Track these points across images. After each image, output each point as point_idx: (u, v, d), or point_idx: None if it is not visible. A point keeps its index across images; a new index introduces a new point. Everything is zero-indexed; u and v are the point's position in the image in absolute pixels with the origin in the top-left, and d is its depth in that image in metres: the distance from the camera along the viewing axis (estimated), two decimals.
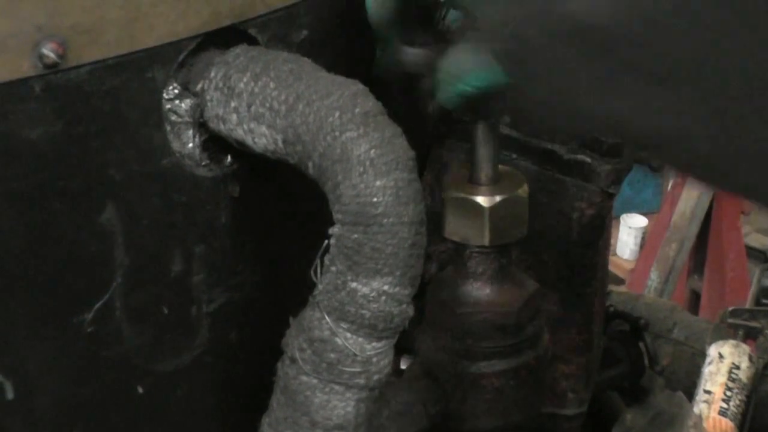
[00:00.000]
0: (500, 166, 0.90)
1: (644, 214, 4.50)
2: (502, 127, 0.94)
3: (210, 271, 0.80)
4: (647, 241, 3.94)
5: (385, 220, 0.70)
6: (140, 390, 0.79)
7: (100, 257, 0.73)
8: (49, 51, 0.66)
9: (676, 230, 3.26)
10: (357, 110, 0.71)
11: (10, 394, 0.72)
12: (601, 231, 1.01)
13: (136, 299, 0.76)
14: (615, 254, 4.43)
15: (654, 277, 3.28)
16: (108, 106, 0.71)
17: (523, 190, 0.90)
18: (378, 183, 0.70)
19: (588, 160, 0.98)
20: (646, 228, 4.37)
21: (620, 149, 0.98)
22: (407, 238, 0.71)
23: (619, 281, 3.76)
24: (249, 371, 0.85)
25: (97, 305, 0.74)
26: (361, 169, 0.70)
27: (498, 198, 0.88)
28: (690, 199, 3.24)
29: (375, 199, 0.70)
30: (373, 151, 0.70)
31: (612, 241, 4.39)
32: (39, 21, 0.66)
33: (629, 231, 4.48)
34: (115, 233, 0.73)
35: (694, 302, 3.31)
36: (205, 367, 0.82)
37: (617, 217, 4.37)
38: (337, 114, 0.71)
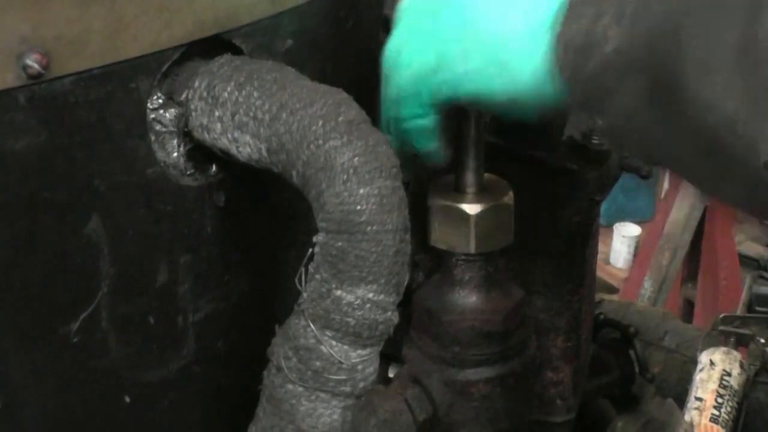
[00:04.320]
0: (486, 174, 0.91)
1: (638, 222, 4.50)
2: (488, 135, 0.95)
3: (196, 281, 0.80)
4: (641, 250, 3.94)
5: (369, 228, 0.70)
6: (127, 399, 0.79)
7: (86, 267, 0.73)
8: (33, 62, 0.66)
9: (669, 239, 3.26)
10: (340, 119, 0.71)
11: None
12: (587, 238, 1.01)
13: (122, 309, 0.76)
14: (608, 263, 4.42)
15: (648, 286, 3.28)
16: (92, 116, 0.71)
17: (509, 198, 0.90)
18: (362, 191, 0.70)
19: (574, 167, 0.98)
20: (639, 237, 4.37)
21: (607, 157, 0.98)
22: (391, 245, 0.71)
23: (613, 290, 3.76)
24: (236, 380, 0.85)
25: (83, 315, 0.74)
26: (345, 177, 0.70)
27: (483, 206, 0.88)
28: (683, 207, 3.24)
29: (359, 207, 0.70)
30: (356, 159, 0.70)
31: (605, 249, 4.39)
32: (23, 32, 0.66)
33: (623, 240, 4.48)
34: (101, 243, 0.73)
35: (688, 311, 3.31)
36: (191, 377, 0.82)
37: (611, 226, 4.37)
38: (320, 123, 0.71)
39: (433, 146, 0.83)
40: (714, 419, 1.22)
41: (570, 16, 0.70)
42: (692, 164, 0.68)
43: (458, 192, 0.89)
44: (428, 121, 0.81)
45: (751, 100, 0.60)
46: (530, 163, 0.99)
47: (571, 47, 0.70)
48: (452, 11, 0.78)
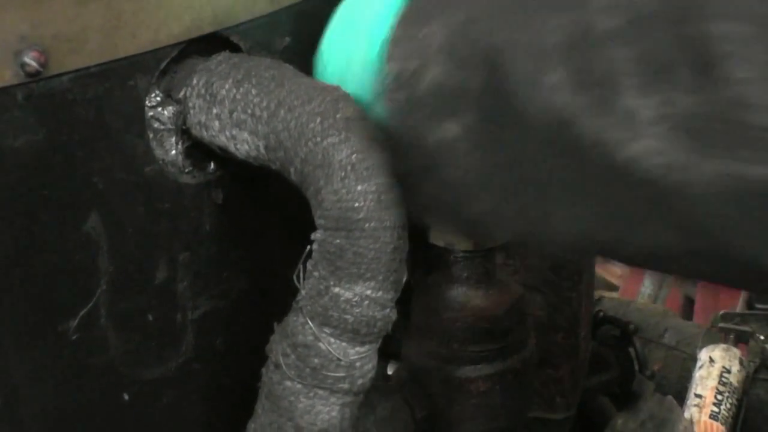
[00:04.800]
0: None
1: None
2: None
3: (194, 278, 0.80)
4: None
5: (367, 225, 0.70)
6: (126, 397, 0.79)
7: (85, 265, 0.74)
8: (31, 60, 0.66)
9: None
10: (338, 116, 0.71)
11: None
12: None
13: (121, 307, 0.76)
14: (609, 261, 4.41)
15: (647, 284, 3.27)
16: (91, 114, 0.71)
17: None
18: (359, 188, 0.70)
19: None
20: None
21: None
22: (389, 242, 0.71)
23: (613, 288, 3.75)
24: (235, 378, 0.85)
25: (82, 313, 0.74)
26: (343, 174, 0.70)
27: None
28: None
29: (356, 204, 0.70)
30: (354, 156, 0.70)
31: None
32: (21, 30, 0.66)
33: None
34: (100, 241, 0.74)
35: (688, 308, 3.30)
36: (191, 374, 0.82)
37: None
38: (318, 120, 0.71)
39: None
40: (714, 416, 1.22)
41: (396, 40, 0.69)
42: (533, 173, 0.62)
43: None
44: None
45: (588, 92, 0.56)
46: None
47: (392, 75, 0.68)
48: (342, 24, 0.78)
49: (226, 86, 0.74)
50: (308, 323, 0.73)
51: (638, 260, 0.65)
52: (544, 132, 0.59)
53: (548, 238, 0.66)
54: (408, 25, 0.69)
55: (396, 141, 0.70)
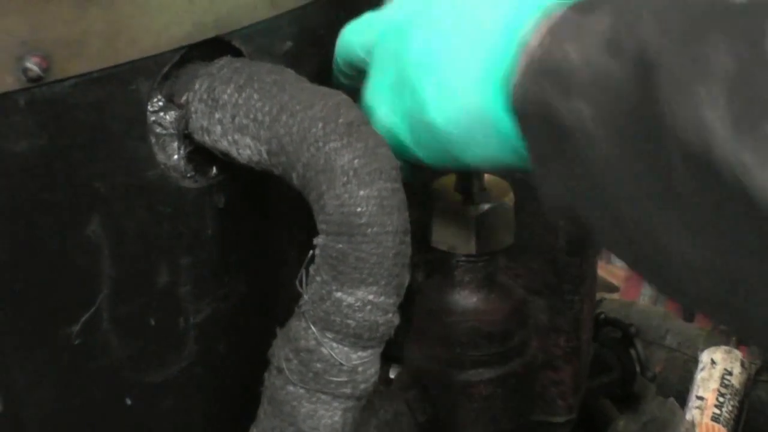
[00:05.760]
0: (486, 175, 0.91)
1: None
2: None
3: (197, 283, 0.80)
4: None
5: (369, 230, 0.70)
6: (128, 401, 0.79)
7: (87, 269, 0.73)
8: (32, 65, 0.66)
9: None
10: (340, 120, 0.71)
11: None
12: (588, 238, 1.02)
13: (123, 311, 0.76)
14: (610, 262, 4.42)
15: (648, 285, 3.28)
16: (92, 118, 0.71)
17: (510, 199, 0.90)
18: (362, 193, 0.70)
19: None
20: None
21: None
22: (391, 247, 0.71)
23: (614, 289, 3.75)
24: (237, 382, 0.85)
25: (84, 317, 0.74)
26: (345, 179, 0.70)
27: (484, 207, 0.88)
28: None
29: (359, 209, 0.70)
30: (356, 161, 0.70)
31: None
32: (22, 35, 0.66)
33: None
34: (101, 245, 0.74)
35: (689, 310, 3.30)
36: (193, 378, 0.82)
37: None
38: (320, 124, 0.71)
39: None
40: (715, 418, 1.22)
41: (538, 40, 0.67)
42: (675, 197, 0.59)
43: (459, 193, 0.89)
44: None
45: (742, 118, 0.54)
46: None
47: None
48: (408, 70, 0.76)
49: (228, 91, 0.74)
50: (311, 328, 0.73)
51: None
52: (683, 145, 0.57)
53: (661, 261, 0.63)
54: (571, 10, 0.67)
55: (531, 120, 0.68)
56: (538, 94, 0.66)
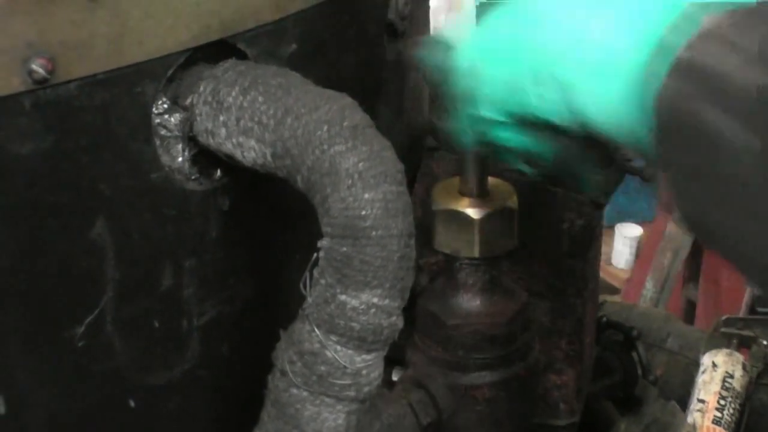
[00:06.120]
0: (489, 178, 0.91)
1: (639, 223, 4.48)
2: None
3: (200, 285, 0.80)
4: (642, 251, 3.93)
5: (374, 233, 0.70)
6: (132, 403, 0.79)
7: (91, 272, 0.74)
8: (38, 67, 0.66)
9: (670, 239, 3.26)
10: (345, 123, 0.71)
11: (1, 409, 0.72)
12: (591, 241, 1.02)
13: (127, 313, 0.76)
14: (610, 264, 4.42)
15: (649, 287, 3.27)
16: (98, 121, 0.71)
17: (513, 202, 0.90)
18: (366, 196, 0.70)
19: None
20: (641, 237, 4.36)
21: (610, 160, 0.98)
22: (396, 250, 0.71)
23: (615, 290, 3.76)
24: (240, 384, 0.85)
25: (88, 319, 0.74)
26: (350, 182, 0.70)
27: (488, 210, 0.88)
28: None
29: (363, 212, 0.70)
30: (361, 164, 0.70)
31: (607, 250, 4.38)
32: (29, 37, 0.66)
33: (624, 240, 4.47)
34: (106, 248, 0.74)
35: (689, 311, 3.30)
36: (196, 380, 0.82)
37: (612, 227, 4.37)
38: (325, 128, 0.71)
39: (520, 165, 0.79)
40: (717, 421, 1.22)
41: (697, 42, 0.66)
42: None
43: (462, 196, 0.89)
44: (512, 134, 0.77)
45: None
46: None
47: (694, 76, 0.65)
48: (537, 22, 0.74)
49: (233, 93, 0.74)
50: (315, 331, 0.73)
51: None
52: None
53: None
54: (727, 22, 0.66)
55: (670, 119, 0.66)
56: (683, 99, 0.65)
